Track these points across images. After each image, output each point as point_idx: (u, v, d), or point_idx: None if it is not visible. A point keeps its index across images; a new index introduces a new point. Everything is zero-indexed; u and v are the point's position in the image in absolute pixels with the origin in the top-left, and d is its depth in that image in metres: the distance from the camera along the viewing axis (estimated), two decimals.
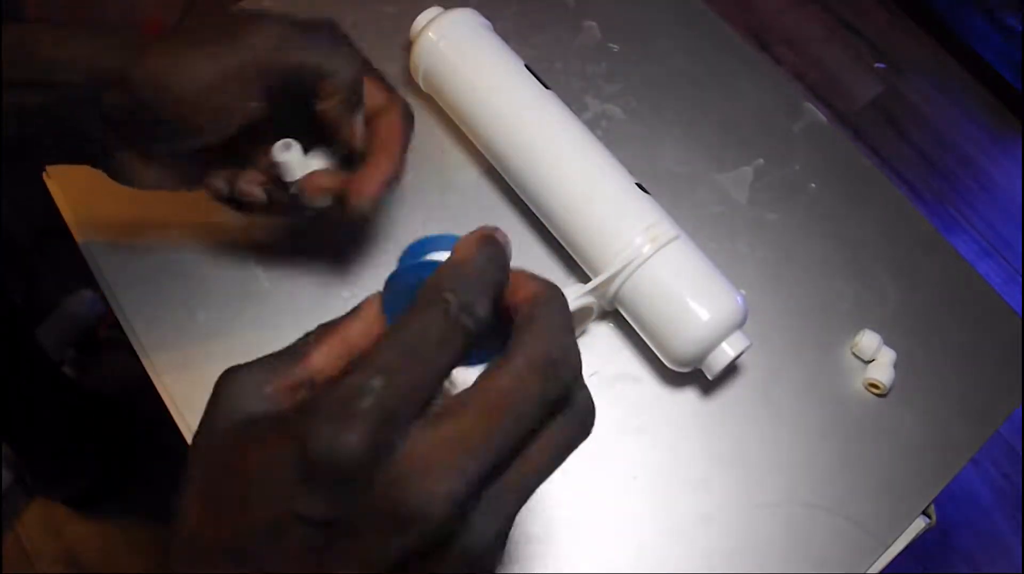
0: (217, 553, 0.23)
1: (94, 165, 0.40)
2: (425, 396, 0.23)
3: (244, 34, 0.36)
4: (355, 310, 0.28)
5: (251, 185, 0.41)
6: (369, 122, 0.41)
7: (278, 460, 0.22)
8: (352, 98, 0.39)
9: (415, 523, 0.22)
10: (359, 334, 0.27)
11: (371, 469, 0.22)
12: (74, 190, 0.49)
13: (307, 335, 0.27)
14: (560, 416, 0.25)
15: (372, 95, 0.42)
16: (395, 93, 0.43)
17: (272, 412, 0.25)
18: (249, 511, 0.23)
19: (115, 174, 0.40)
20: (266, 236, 0.48)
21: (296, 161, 0.40)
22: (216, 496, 0.24)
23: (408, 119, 0.42)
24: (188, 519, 0.24)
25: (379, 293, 0.28)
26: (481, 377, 0.24)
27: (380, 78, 0.43)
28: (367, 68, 0.42)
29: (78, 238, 0.48)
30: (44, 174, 0.50)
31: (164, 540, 0.25)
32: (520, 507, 0.25)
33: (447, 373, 0.24)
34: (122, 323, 0.46)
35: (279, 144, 0.39)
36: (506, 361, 0.24)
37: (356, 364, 0.23)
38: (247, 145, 0.40)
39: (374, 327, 0.27)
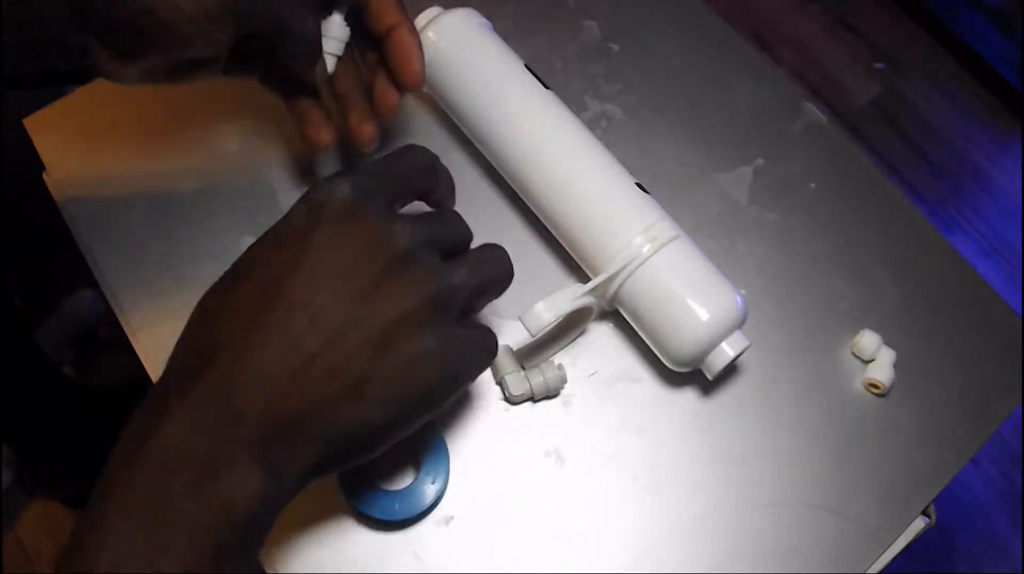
0: (348, 297, 0.31)
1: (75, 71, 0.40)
2: (398, 186, 0.36)
3: None
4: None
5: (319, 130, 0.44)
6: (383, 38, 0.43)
7: (288, 219, 0.34)
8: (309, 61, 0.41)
9: (391, 240, 0.33)
10: None
11: (356, 206, 0.33)
12: (73, 189, 0.49)
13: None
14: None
15: (383, 15, 0.42)
16: (403, 12, 0.43)
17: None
18: (272, 257, 0.33)
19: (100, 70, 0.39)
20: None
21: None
22: (238, 270, 0.34)
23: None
24: (241, 291, 0.32)
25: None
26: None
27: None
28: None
29: (77, 237, 0.48)
30: (44, 174, 0.50)
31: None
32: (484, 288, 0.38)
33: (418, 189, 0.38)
34: (122, 323, 0.46)
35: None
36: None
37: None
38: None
39: None
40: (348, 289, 0.31)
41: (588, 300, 0.43)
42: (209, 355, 0.30)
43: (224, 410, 0.29)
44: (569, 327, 0.46)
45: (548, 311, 0.41)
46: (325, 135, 0.44)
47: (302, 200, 0.33)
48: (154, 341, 0.46)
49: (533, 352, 0.46)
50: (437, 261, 0.34)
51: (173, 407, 0.29)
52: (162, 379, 0.32)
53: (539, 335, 0.42)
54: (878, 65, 1.48)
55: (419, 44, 0.43)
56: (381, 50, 0.43)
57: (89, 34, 0.37)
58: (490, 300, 0.38)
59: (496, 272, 0.37)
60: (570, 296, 0.42)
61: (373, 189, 0.34)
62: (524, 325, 0.41)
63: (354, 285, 0.32)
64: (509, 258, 0.38)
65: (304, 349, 0.30)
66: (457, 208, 0.50)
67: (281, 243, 0.33)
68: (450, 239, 0.37)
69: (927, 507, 0.45)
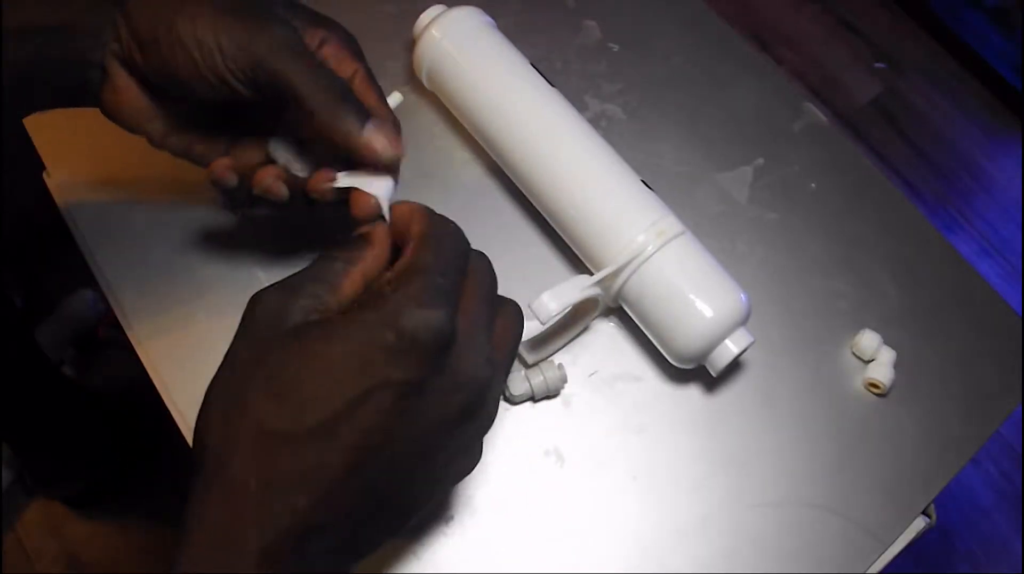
0: (302, 437, 0.28)
1: (92, 100, 0.39)
2: (459, 288, 0.31)
3: (249, 21, 0.36)
4: (366, 242, 0.33)
5: (276, 182, 0.39)
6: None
7: (366, 342, 0.28)
8: (330, 119, 0.36)
9: (471, 383, 0.30)
10: (373, 264, 0.33)
11: (448, 345, 0.29)
12: (73, 189, 0.49)
13: (330, 261, 0.32)
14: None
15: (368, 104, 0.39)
16: (384, 106, 0.40)
17: (333, 317, 0.30)
18: (338, 389, 0.28)
19: (110, 109, 0.39)
20: (266, 236, 0.48)
21: (292, 159, 0.39)
22: (290, 388, 0.28)
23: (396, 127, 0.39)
24: (256, 415, 0.28)
25: (385, 224, 0.35)
26: (465, 283, 0.32)
27: (377, 88, 0.40)
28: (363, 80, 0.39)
29: (77, 237, 0.48)
30: (44, 174, 0.50)
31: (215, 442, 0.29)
32: (509, 369, 0.35)
33: (465, 271, 0.32)
34: (122, 323, 0.46)
35: (272, 142, 0.39)
36: (479, 276, 0.33)
37: (411, 267, 0.30)
38: (254, 120, 0.40)
39: (383, 255, 0.34)
40: (418, 441, 0.30)
41: (594, 291, 0.43)
42: (291, 506, 0.28)
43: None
44: (571, 324, 0.46)
45: (554, 301, 0.41)
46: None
47: (386, 323, 0.28)
48: (154, 341, 0.46)
49: (534, 350, 0.46)
50: (495, 386, 0.33)
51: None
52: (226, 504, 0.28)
53: (546, 326, 0.42)
54: (878, 65, 1.48)
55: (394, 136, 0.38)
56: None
57: (112, 55, 0.37)
58: None
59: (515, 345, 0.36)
60: (577, 287, 0.42)
61: (454, 314, 0.30)
62: (533, 313, 0.41)
63: (426, 436, 0.30)
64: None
65: (365, 491, 0.29)
66: (461, 207, 0.51)
67: (354, 372, 0.28)
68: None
69: (927, 507, 0.45)
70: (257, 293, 0.31)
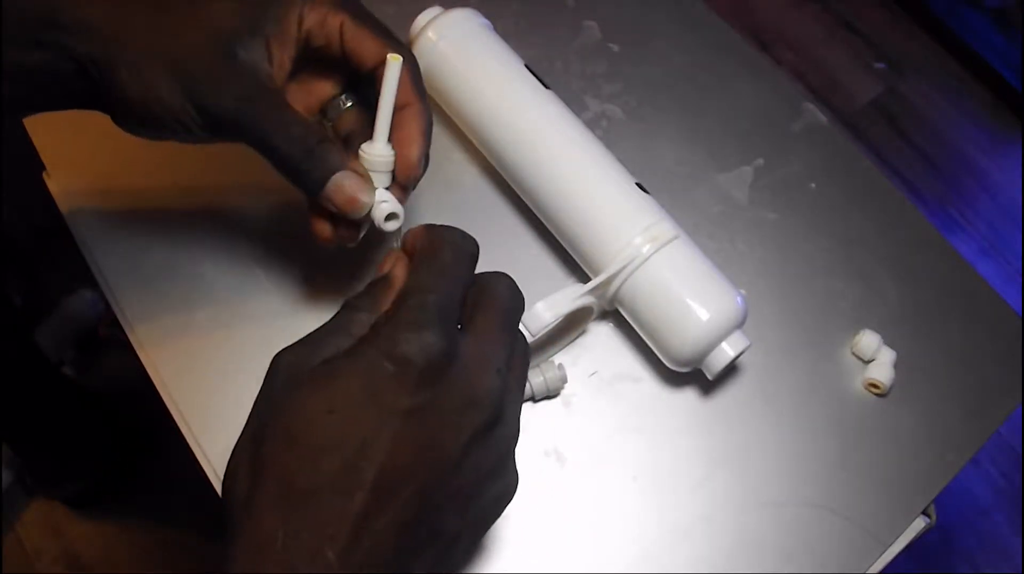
0: (323, 484, 0.27)
1: (102, 104, 0.38)
2: (459, 303, 0.31)
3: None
4: (387, 286, 0.33)
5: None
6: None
7: (368, 375, 0.28)
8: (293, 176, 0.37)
9: (485, 398, 0.30)
10: None
11: (448, 362, 0.29)
12: (74, 189, 0.49)
13: (353, 311, 0.32)
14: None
15: (366, 49, 0.38)
16: (392, 41, 0.38)
17: (338, 358, 0.30)
18: (350, 430, 0.28)
19: (123, 116, 0.37)
20: (266, 236, 0.48)
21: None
22: (304, 435, 0.28)
23: (414, 66, 0.39)
24: (276, 467, 0.28)
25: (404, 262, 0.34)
26: (482, 302, 0.32)
27: (373, 26, 0.38)
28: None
29: (77, 237, 0.48)
30: (44, 174, 0.50)
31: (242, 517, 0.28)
32: (522, 396, 0.34)
33: (469, 283, 0.32)
34: (122, 323, 0.46)
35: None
36: (492, 297, 0.32)
37: (404, 290, 0.30)
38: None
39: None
40: (441, 463, 0.29)
41: (588, 300, 0.43)
42: (300, 550, 0.27)
43: None
44: (569, 327, 0.46)
45: (549, 311, 0.41)
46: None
47: (383, 354, 0.29)
48: (154, 341, 0.46)
49: (533, 352, 0.46)
50: (511, 404, 0.32)
51: None
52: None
53: (539, 335, 0.42)
54: (878, 65, 1.48)
55: (426, 130, 0.40)
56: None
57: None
58: None
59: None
60: (570, 296, 0.42)
61: (454, 333, 0.30)
62: (524, 325, 0.41)
63: (447, 457, 0.29)
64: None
65: (397, 527, 0.28)
66: (458, 208, 0.51)
67: (361, 409, 0.28)
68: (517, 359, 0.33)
69: (927, 507, 0.45)
70: (279, 352, 0.31)
